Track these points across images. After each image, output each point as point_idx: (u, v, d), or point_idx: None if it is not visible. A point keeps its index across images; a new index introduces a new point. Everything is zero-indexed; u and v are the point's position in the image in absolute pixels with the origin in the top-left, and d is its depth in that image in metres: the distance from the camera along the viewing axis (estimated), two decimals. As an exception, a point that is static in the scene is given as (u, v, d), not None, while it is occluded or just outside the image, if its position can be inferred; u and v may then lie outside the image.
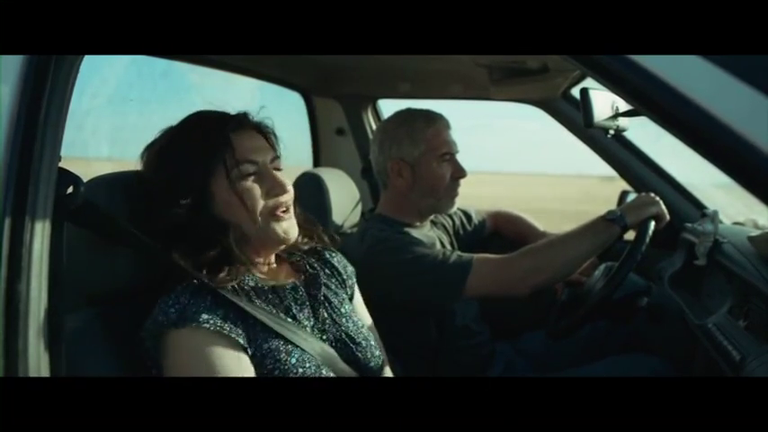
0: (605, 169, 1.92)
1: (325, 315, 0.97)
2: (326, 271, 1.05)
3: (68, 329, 0.76)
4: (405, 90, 2.04)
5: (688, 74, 0.57)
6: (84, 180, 0.80)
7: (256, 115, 0.98)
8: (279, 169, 0.96)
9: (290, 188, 0.95)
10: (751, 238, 1.18)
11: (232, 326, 0.84)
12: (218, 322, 0.83)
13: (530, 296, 1.33)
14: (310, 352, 0.89)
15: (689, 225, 1.40)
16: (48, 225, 0.73)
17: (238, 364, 0.83)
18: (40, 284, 0.71)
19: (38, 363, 0.70)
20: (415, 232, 1.45)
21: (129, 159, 0.98)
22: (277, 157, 0.97)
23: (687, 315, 1.27)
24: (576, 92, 1.83)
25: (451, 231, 1.68)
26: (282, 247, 0.98)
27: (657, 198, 1.37)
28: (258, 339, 0.86)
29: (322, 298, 0.98)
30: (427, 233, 1.51)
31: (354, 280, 1.11)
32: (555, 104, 1.89)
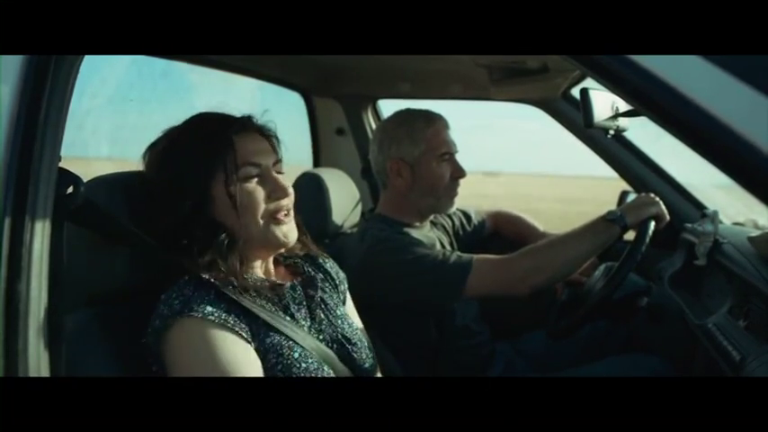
0: (605, 169, 1.92)
1: (322, 316, 0.98)
2: (321, 275, 1.06)
3: (68, 329, 0.76)
4: (405, 90, 2.04)
5: (688, 74, 0.57)
6: (85, 180, 0.80)
7: (260, 118, 0.99)
8: (281, 173, 0.96)
9: (292, 192, 0.96)
10: (751, 239, 1.18)
11: (236, 319, 0.84)
12: (223, 315, 0.83)
13: (530, 296, 1.33)
14: (309, 350, 0.90)
15: (689, 225, 1.40)
16: (48, 225, 0.73)
17: (245, 356, 0.83)
18: (40, 284, 0.71)
19: (38, 363, 0.70)
20: (414, 232, 1.45)
21: (130, 159, 0.98)
22: (279, 161, 0.97)
23: (687, 315, 1.27)
24: (576, 92, 1.83)
25: (451, 232, 1.68)
26: (282, 250, 0.99)
27: (657, 198, 1.37)
28: (261, 334, 0.87)
29: (318, 299, 0.99)
30: (427, 233, 1.51)
31: (346, 285, 1.12)
32: (555, 104, 1.89)
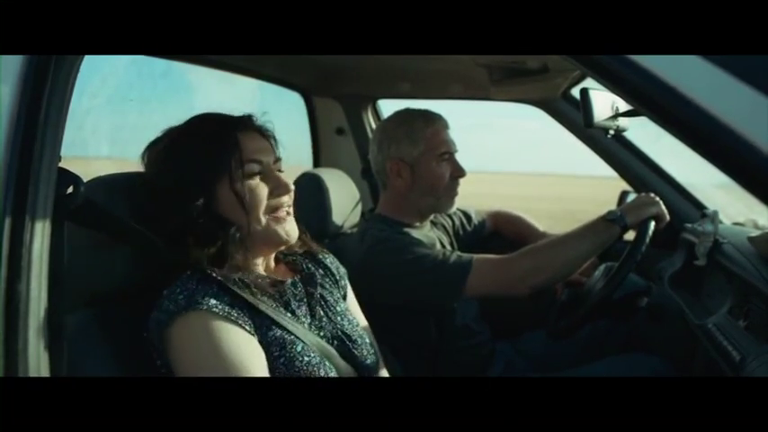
0: (605, 169, 1.92)
1: (322, 313, 0.98)
2: (321, 271, 1.07)
3: (69, 329, 0.76)
4: (405, 90, 2.04)
5: (688, 74, 0.57)
6: (85, 180, 0.80)
7: (259, 118, 0.99)
8: (281, 171, 0.97)
9: (293, 188, 0.97)
10: (751, 238, 1.18)
11: (239, 312, 0.85)
12: (226, 308, 0.84)
13: (530, 296, 1.33)
14: (311, 345, 0.90)
15: (689, 225, 1.40)
16: (48, 225, 0.73)
17: (249, 347, 0.84)
18: (40, 284, 0.71)
19: (38, 363, 0.70)
20: (415, 232, 1.45)
21: (130, 159, 0.98)
22: (279, 159, 0.99)
23: (687, 315, 1.27)
24: (576, 92, 1.83)
25: (451, 231, 1.68)
26: (283, 247, 0.99)
27: (657, 198, 1.37)
28: (263, 328, 0.87)
29: (318, 296, 0.99)
30: (427, 233, 1.51)
31: (347, 280, 1.13)
32: (555, 104, 1.89)
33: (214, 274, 0.87)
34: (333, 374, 0.91)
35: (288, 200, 0.96)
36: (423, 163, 1.45)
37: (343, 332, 0.98)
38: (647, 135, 1.80)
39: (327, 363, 0.91)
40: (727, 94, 0.55)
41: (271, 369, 0.85)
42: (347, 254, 1.41)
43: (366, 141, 2.09)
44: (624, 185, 1.86)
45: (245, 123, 0.97)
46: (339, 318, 1.01)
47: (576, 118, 1.82)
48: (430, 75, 1.85)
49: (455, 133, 1.51)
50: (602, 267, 1.43)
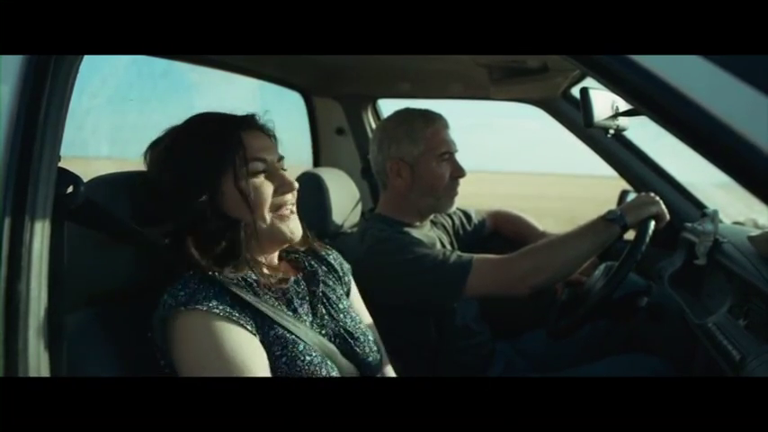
0: (605, 169, 1.92)
1: (324, 311, 0.99)
2: (323, 268, 1.07)
3: (69, 329, 0.76)
4: (405, 90, 2.04)
5: (688, 74, 0.57)
6: (85, 180, 0.80)
7: (261, 117, 1.00)
8: (284, 169, 0.98)
9: (297, 186, 0.97)
10: (751, 238, 1.18)
11: (240, 313, 0.85)
12: (227, 308, 0.84)
13: (530, 296, 1.33)
14: (312, 345, 0.90)
15: (689, 225, 1.40)
16: (48, 225, 0.73)
17: (250, 347, 0.84)
18: (39, 284, 0.71)
19: (38, 363, 0.70)
20: (415, 232, 1.45)
21: (130, 159, 0.98)
22: (282, 158, 0.99)
23: (687, 315, 1.27)
24: (576, 92, 1.83)
25: (451, 231, 1.68)
26: (286, 245, 1.00)
27: (657, 198, 1.37)
28: (265, 327, 0.87)
29: (320, 294, 1.00)
30: (427, 233, 1.51)
31: (351, 276, 1.13)
32: (555, 104, 1.89)
33: (216, 275, 0.87)
34: (334, 374, 0.91)
35: (292, 198, 0.97)
36: (423, 163, 1.45)
37: (345, 330, 0.99)
38: (647, 135, 1.80)
39: (329, 362, 0.91)
40: (728, 94, 0.55)
41: (273, 368, 0.85)
42: (347, 253, 1.41)
43: (366, 141, 2.09)
44: (624, 185, 1.86)
45: (249, 122, 0.97)
46: (341, 315, 1.01)
47: (576, 118, 1.82)
48: (430, 75, 1.85)
49: (455, 133, 1.51)
50: (602, 267, 1.43)
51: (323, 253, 1.10)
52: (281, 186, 0.95)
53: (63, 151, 0.76)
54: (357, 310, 1.09)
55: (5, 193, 0.70)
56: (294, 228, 0.97)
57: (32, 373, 0.70)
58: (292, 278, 0.99)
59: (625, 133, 1.43)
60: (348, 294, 1.10)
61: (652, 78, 0.58)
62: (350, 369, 0.96)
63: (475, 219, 1.80)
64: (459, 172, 1.48)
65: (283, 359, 0.86)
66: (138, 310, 0.88)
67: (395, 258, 1.34)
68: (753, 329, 1.03)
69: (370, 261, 1.35)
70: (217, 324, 0.83)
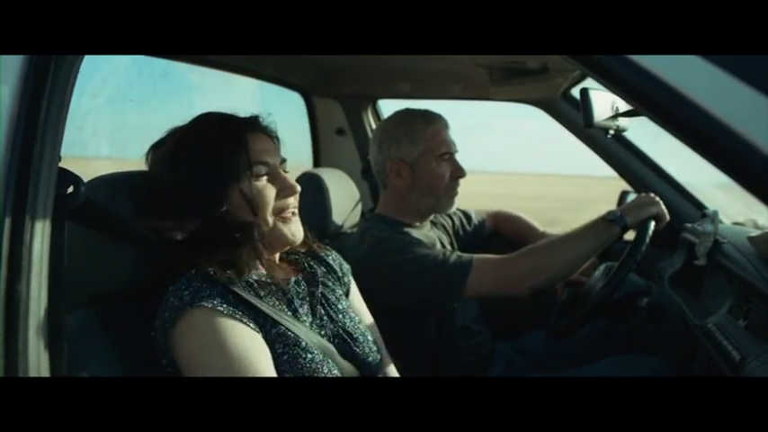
0: (605, 169, 1.92)
1: (323, 312, 0.99)
2: (323, 269, 1.07)
3: (69, 329, 0.76)
4: (405, 90, 2.04)
5: (688, 74, 0.57)
6: (85, 180, 0.80)
7: (264, 119, 1.00)
8: (287, 171, 0.98)
9: (299, 189, 0.97)
10: (751, 238, 1.18)
11: (243, 311, 0.86)
12: (231, 307, 0.85)
13: (530, 296, 1.33)
14: (312, 344, 0.91)
15: (689, 225, 1.40)
16: (48, 225, 0.73)
17: (254, 343, 0.84)
18: (40, 284, 0.71)
19: (38, 363, 0.70)
20: (415, 232, 1.45)
21: (130, 159, 0.98)
22: (285, 160, 0.99)
23: (687, 315, 1.27)
24: (576, 92, 1.83)
25: (451, 231, 1.68)
26: (288, 247, 1.00)
27: (657, 198, 1.37)
28: (267, 325, 0.88)
29: (320, 295, 1.00)
30: (427, 233, 1.51)
31: (350, 277, 1.13)
32: (555, 104, 1.89)
33: (218, 275, 0.87)
34: (335, 372, 0.91)
35: (294, 201, 0.97)
36: (422, 163, 1.45)
37: (344, 330, 0.99)
38: (646, 135, 1.80)
39: (330, 360, 0.91)
40: (727, 94, 0.55)
41: (274, 366, 0.86)
42: (347, 254, 1.41)
43: (366, 141, 2.09)
44: (624, 185, 1.87)
45: (252, 124, 0.97)
46: (340, 316, 1.01)
47: (576, 118, 1.82)
48: (430, 75, 1.85)
49: (455, 133, 1.51)
50: (602, 267, 1.43)
51: (322, 254, 1.10)
52: (284, 189, 0.95)
53: (63, 151, 0.76)
54: (357, 310, 1.09)
55: (5, 193, 0.70)
56: (296, 230, 0.97)
57: (32, 373, 0.69)
58: (293, 278, 0.99)
59: (625, 133, 1.43)
60: (347, 295, 1.10)
61: (651, 78, 0.58)
62: (350, 369, 0.96)
63: (475, 219, 1.80)
64: (459, 172, 1.48)
65: (285, 356, 0.87)
66: (139, 310, 0.88)
67: (395, 258, 1.34)
68: (753, 330, 1.03)
69: (370, 261, 1.35)
70: (222, 321, 0.83)
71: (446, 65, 1.67)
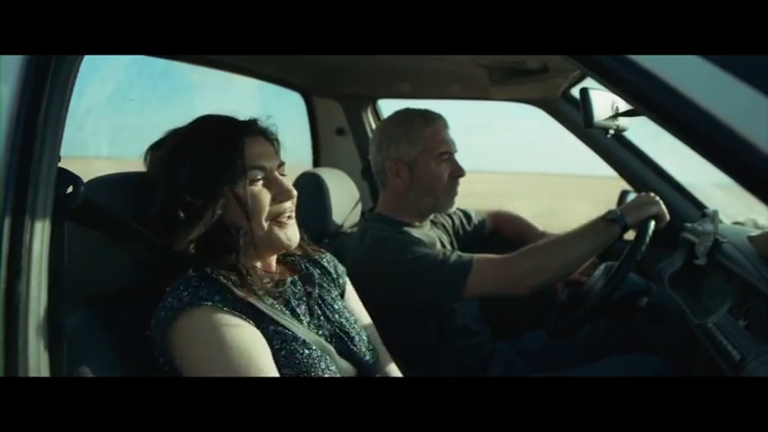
0: (605, 169, 1.92)
1: (320, 312, 0.99)
2: (318, 271, 1.08)
3: (69, 329, 0.76)
4: (405, 90, 2.04)
5: (688, 74, 0.57)
6: (85, 180, 0.80)
7: (263, 121, 1.00)
8: (284, 175, 0.98)
9: (295, 193, 0.97)
10: (751, 238, 1.18)
11: (242, 310, 0.86)
12: (230, 305, 0.85)
13: (530, 296, 1.33)
14: (310, 342, 0.91)
15: (689, 225, 1.40)
16: (48, 225, 0.73)
17: (253, 339, 0.85)
18: (39, 284, 0.71)
19: (38, 363, 0.70)
20: (415, 232, 1.45)
21: (130, 159, 0.98)
22: (282, 164, 0.99)
23: (687, 315, 1.27)
24: (576, 92, 1.83)
25: (451, 231, 1.68)
26: (284, 251, 1.00)
27: (657, 198, 1.37)
28: (265, 322, 0.88)
29: (316, 295, 1.01)
30: (427, 233, 1.51)
31: (345, 278, 1.13)
32: (555, 104, 1.89)
33: (216, 275, 0.88)
34: (333, 368, 0.92)
35: (290, 205, 0.96)
36: (421, 163, 1.45)
37: (341, 330, 0.99)
38: (646, 134, 1.80)
39: (328, 358, 0.92)
40: (727, 94, 0.55)
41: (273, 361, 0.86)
42: (347, 253, 1.42)
43: (366, 141, 2.09)
44: (624, 185, 1.87)
45: (251, 127, 0.96)
46: (337, 316, 1.01)
47: (576, 118, 1.82)
48: (430, 75, 1.85)
49: (455, 133, 1.51)
50: (602, 267, 1.43)
51: (317, 256, 1.10)
52: (279, 194, 0.94)
53: (63, 151, 0.76)
54: (352, 310, 1.09)
55: (5, 193, 0.70)
56: (292, 235, 0.97)
57: (32, 373, 0.70)
58: (289, 279, 0.99)
59: (625, 133, 1.43)
60: (343, 296, 1.11)
61: (651, 78, 0.58)
62: (347, 368, 0.96)
63: (475, 219, 1.80)
64: (458, 172, 1.48)
65: (282, 353, 0.87)
66: (138, 310, 0.88)
67: (395, 258, 1.34)
68: (753, 330, 1.03)
69: (370, 261, 1.35)
70: (222, 317, 0.83)
71: (446, 65, 1.67)
